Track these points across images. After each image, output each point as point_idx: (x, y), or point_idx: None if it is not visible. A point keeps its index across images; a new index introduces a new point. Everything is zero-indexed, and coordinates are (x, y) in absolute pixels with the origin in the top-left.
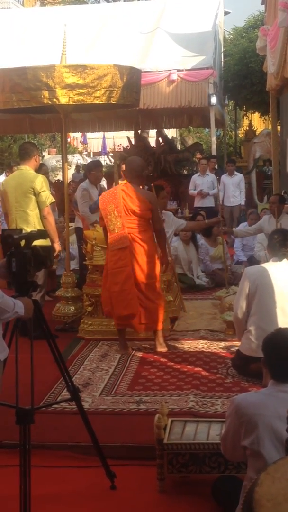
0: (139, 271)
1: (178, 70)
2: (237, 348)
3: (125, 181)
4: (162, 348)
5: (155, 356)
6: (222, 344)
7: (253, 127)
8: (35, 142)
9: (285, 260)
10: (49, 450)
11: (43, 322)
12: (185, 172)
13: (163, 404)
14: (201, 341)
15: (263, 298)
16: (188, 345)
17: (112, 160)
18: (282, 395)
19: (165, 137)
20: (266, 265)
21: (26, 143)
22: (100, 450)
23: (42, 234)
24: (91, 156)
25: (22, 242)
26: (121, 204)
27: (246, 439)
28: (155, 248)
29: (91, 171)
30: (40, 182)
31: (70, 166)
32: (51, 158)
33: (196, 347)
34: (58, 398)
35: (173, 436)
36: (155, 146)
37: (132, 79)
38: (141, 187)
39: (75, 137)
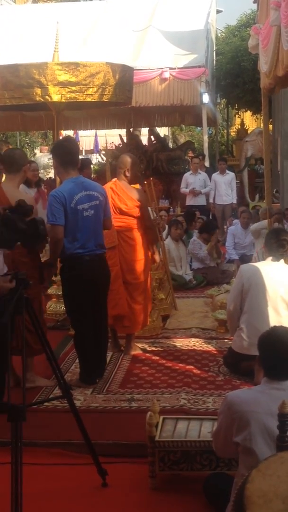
0: (128, 270)
1: (170, 68)
2: (228, 346)
3: (115, 179)
4: (134, 351)
5: (147, 354)
6: (214, 342)
7: (245, 126)
8: (26, 139)
9: (282, 260)
10: (41, 447)
11: (36, 321)
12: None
13: (154, 402)
14: (193, 339)
15: (256, 296)
16: (179, 343)
17: (104, 158)
18: (274, 393)
19: (157, 135)
20: (262, 264)
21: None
22: (91, 448)
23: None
24: (83, 154)
25: None
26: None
27: (238, 435)
28: (145, 247)
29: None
30: None
31: None
32: (43, 156)
33: (187, 345)
34: (49, 395)
35: (164, 433)
36: (147, 144)
37: (124, 77)
38: (138, 185)
39: (67, 134)
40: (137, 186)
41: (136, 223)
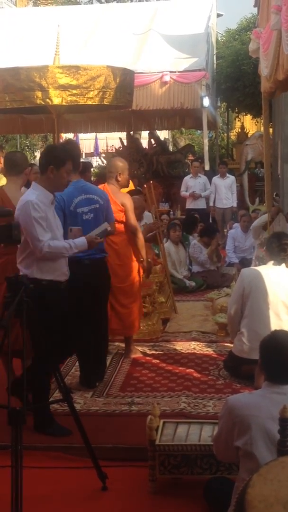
0: (112, 274)
1: (171, 72)
2: (228, 349)
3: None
4: (134, 354)
5: (147, 358)
6: (214, 345)
7: (245, 129)
8: (27, 142)
9: (283, 264)
10: (41, 451)
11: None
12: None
13: (155, 405)
14: (193, 342)
15: (256, 300)
16: (179, 346)
17: (105, 161)
18: (275, 397)
19: (157, 139)
20: (263, 268)
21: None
22: (92, 451)
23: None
24: (84, 157)
25: None
26: None
27: (239, 439)
28: (130, 251)
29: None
30: None
31: None
32: None
33: (188, 349)
34: (50, 399)
35: (164, 437)
36: (147, 147)
37: (125, 81)
38: (130, 186)
39: (67, 137)
40: (128, 189)
41: (121, 227)
